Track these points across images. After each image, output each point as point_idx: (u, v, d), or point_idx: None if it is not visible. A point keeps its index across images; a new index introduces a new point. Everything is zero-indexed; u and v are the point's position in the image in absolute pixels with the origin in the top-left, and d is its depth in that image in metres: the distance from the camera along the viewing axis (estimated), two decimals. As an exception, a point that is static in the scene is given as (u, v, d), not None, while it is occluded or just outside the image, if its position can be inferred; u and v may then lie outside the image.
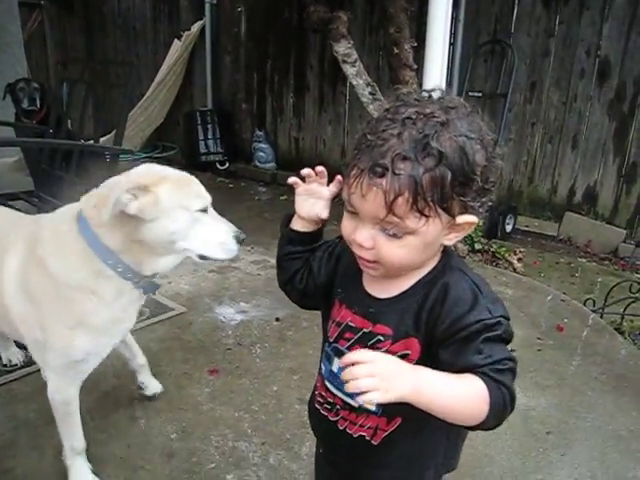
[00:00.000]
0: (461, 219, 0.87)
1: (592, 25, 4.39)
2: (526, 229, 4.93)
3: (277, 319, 2.91)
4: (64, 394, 1.63)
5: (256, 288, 3.29)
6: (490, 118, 4.11)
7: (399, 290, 0.96)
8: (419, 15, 4.38)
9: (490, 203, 0.90)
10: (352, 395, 0.92)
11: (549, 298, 3.31)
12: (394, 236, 0.87)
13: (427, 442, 1.04)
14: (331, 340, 1.05)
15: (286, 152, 6.50)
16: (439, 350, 0.89)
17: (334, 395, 1.06)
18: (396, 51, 3.82)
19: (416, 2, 4.37)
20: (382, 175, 0.82)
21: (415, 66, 3.87)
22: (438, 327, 0.90)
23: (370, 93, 3.63)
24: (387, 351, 0.93)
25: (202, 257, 1.52)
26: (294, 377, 2.42)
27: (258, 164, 6.50)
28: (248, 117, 6.78)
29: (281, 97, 6.42)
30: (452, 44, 4.70)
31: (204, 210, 1.50)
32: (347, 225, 0.93)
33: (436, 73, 3.15)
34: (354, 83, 3.65)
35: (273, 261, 1.18)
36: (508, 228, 4.81)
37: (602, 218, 4.65)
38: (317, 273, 1.10)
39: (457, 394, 0.81)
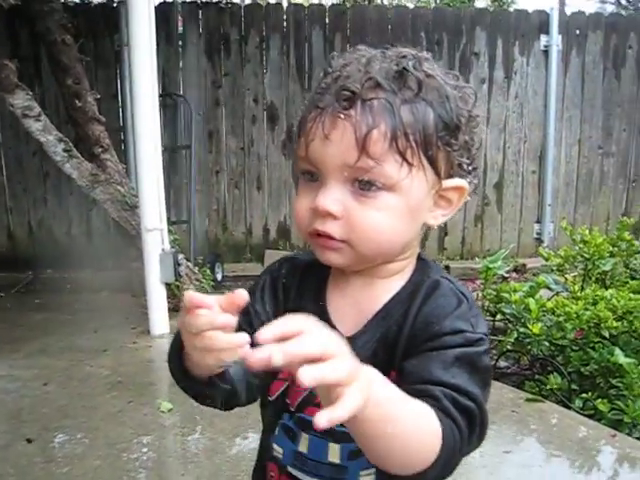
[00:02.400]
0: (449, 182, 0.72)
1: (255, 76, 4.75)
2: (234, 274, 4.97)
3: (29, 440, 2.20)
4: None
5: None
6: (174, 171, 4.01)
7: (372, 310, 0.74)
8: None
9: (476, 180, 0.76)
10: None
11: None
12: (368, 194, 0.67)
13: None
14: (292, 409, 0.76)
15: None
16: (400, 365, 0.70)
17: None
18: (79, 104, 3.45)
19: (91, 53, 4.06)
20: (351, 105, 0.65)
21: (103, 119, 3.55)
22: (410, 341, 0.71)
23: (65, 150, 3.15)
24: None
25: None
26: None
27: None
28: None
29: None
30: (122, 101, 4.51)
31: None
32: (302, 202, 0.71)
33: (149, 129, 2.89)
34: (42, 140, 3.11)
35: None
36: (219, 277, 4.76)
37: (298, 248, 5.01)
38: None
39: (411, 409, 0.59)
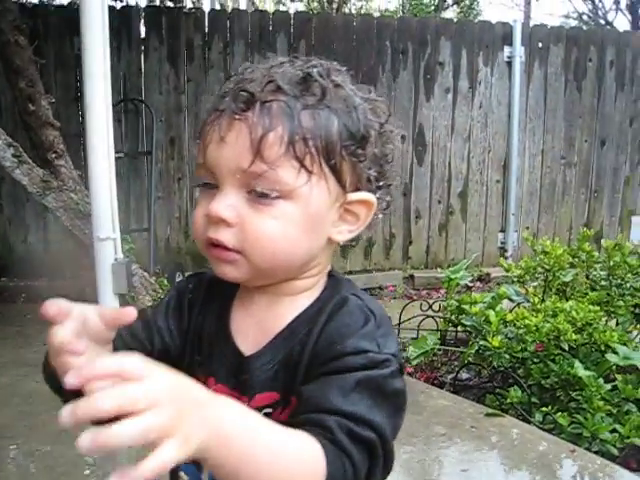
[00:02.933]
0: (355, 196, 0.68)
1: (218, 82, 4.66)
2: (196, 283, 4.87)
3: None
4: None
5: None
6: (135, 178, 3.89)
7: (276, 329, 0.69)
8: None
9: (388, 197, 0.72)
10: None
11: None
12: (264, 202, 0.63)
13: None
14: None
15: None
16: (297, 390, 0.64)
17: None
18: (32, 108, 3.32)
19: (50, 56, 3.94)
20: (248, 107, 0.63)
21: (58, 124, 3.43)
22: (312, 360, 0.65)
23: (14, 155, 3.01)
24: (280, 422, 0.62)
25: None
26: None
27: None
28: None
29: None
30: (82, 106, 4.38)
31: None
32: (199, 210, 0.67)
33: (102, 136, 2.76)
34: (-10, 145, 2.98)
35: None
36: (180, 286, 4.65)
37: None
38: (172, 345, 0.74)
39: (280, 448, 0.52)
